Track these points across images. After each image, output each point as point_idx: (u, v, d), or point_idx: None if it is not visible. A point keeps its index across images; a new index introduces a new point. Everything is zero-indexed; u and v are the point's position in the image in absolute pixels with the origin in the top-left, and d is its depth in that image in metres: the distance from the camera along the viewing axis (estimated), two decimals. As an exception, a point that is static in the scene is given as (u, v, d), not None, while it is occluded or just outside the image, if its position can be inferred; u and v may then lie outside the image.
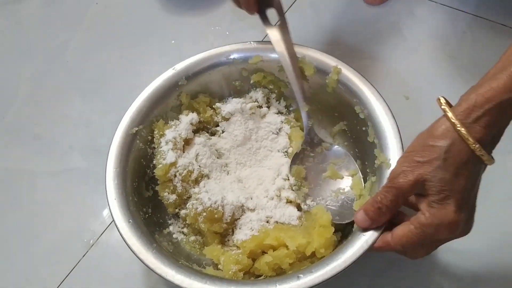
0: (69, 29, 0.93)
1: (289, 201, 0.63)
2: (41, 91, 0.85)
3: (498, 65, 0.44)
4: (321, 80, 0.65)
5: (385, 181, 0.52)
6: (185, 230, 0.63)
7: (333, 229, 0.56)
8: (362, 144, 0.63)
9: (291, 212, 0.62)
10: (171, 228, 0.63)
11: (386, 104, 0.60)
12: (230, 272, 0.55)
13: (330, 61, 0.64)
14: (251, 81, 0.69)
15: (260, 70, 0.68)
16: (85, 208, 0.71)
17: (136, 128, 0.62)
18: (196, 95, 0.68)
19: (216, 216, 0.59)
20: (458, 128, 0.44)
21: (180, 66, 0.66)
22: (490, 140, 0.45)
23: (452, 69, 0.77)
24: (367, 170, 0.61)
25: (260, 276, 0.56)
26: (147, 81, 0.82)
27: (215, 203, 0.59)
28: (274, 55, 0.65)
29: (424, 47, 0.81)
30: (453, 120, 0.44)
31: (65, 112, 0.82)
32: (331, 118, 0.68)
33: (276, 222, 0.61)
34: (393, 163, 0.55)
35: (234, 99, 0.69)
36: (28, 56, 0.90)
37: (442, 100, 0.47)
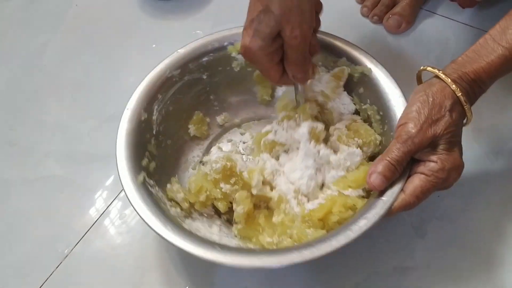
0: (47, 32, 0.91)
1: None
2: (17, 96, 0.83)
3: (477, 46, 0.52)
4: None
5: (375, 88, 0.61)
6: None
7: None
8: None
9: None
10: None
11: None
12: (308, 237, 0.55)
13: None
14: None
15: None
16: (60, 217, 0.69)
17: (156, 191, 0.58)
18: None
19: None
20: (456, 90, 0.51)
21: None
22: (471, 103, 0.53)
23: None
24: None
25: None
26: (126, 87, 0.81)
27: None
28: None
29: (407, 53, 0.80)
30: (452, 86, 0.51)
31: (41, 117, 0.80)
32: None
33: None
34: (371, 67, 0.61)
35: None
36: (3, 59, 0.88)
37: (432, 68, 0.54)
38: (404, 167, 0.52)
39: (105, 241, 0.66)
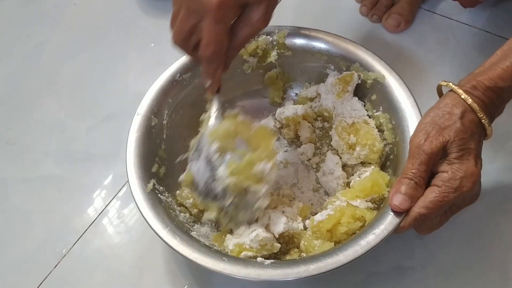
0: (45, 31, 0.90)
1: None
2: (15, 95, 0.82)
3: (494, 57, 0.52)
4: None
5: (388, 96, 0.60)
6: None
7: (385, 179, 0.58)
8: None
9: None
10: None
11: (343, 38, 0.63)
12: (316, 248, 0.54)
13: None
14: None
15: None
16: (58, 217, 0.69)
17: (164, 198, 0.58)
18: None
19: None
20: (467, 99, 0.50)
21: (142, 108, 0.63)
22: (489, 114, 0.52)
23: (434, 76, 0.76)
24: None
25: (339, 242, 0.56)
26: (124, 86, 0.81)
27: None
28: None
29: (406, 52, 0.80)
30: (462, 95, 0.51)
31: (39, 117, 0.79)
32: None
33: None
34: (385, 75, 0.61)
35: None
36: (1, 58, 0.87)
37: (445, 82, 0.53)
38: (426, 180, 0.51)
39: (104, 241, 0.66)
